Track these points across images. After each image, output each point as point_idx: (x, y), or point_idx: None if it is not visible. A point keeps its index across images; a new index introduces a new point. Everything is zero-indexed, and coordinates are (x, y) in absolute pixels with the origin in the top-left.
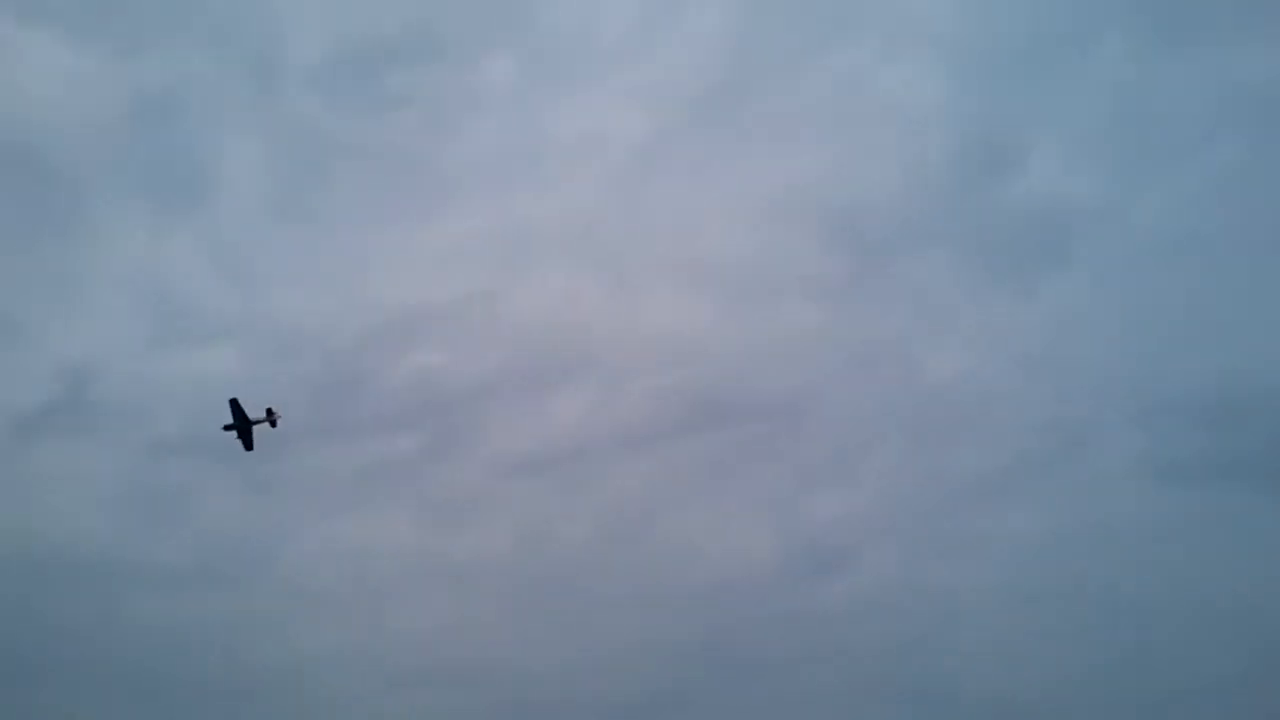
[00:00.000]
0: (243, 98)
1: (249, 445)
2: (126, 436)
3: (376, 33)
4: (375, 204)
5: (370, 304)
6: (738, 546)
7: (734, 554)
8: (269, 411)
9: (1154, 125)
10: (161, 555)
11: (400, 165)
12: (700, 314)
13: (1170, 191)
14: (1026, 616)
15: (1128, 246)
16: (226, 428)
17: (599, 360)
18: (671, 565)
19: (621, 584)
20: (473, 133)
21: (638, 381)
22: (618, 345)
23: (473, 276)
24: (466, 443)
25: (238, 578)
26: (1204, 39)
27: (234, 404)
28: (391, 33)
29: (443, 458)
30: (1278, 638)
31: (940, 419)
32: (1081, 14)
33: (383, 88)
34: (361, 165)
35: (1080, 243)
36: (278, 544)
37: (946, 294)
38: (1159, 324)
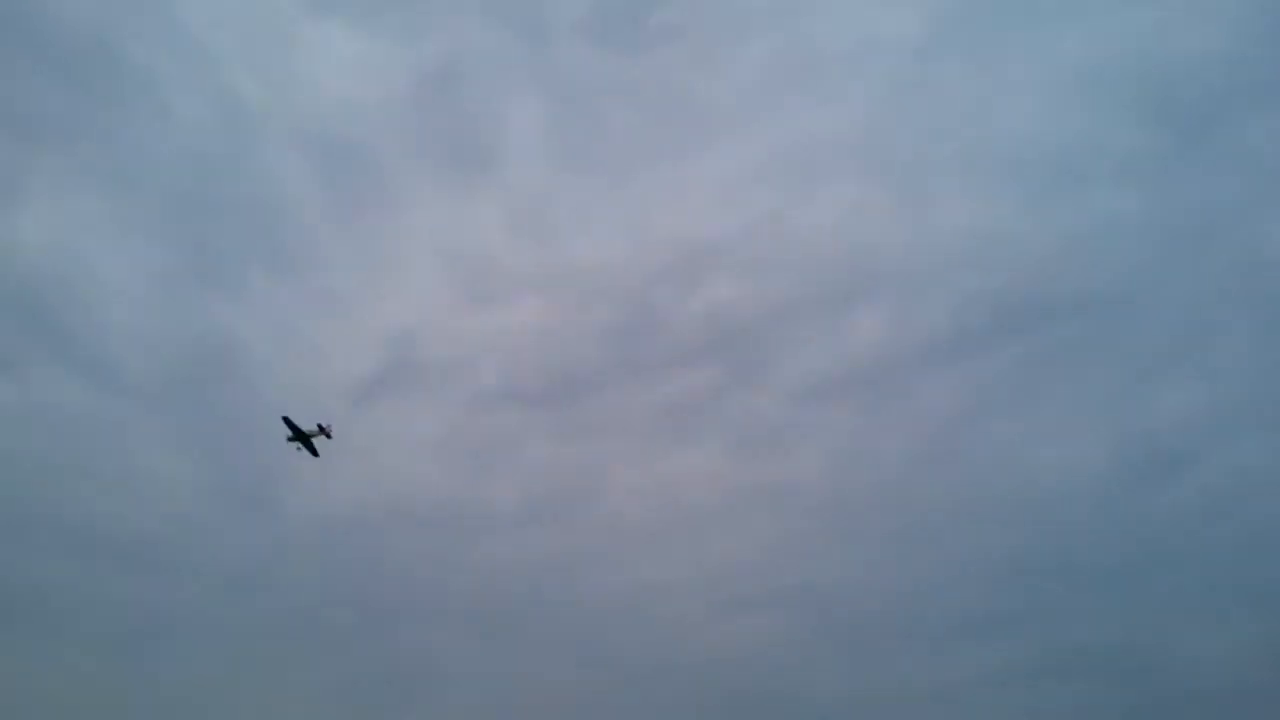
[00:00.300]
0: (517, 59)
1: (314, 453)
2: (451, 392)
3: None
4: (654, 142)
5: (659, 242)
6: (1067, 453)
7: (1063, 461)
8: (320, 426)
9: None
10: (494, 500)
11: (675, 100)
12: (1001, 211)
13: None
14: None
15: None
16: (290, 439)
17: (895, 272)
18: (994, 477)
19: (943, 499)
20: (743, 56)
21: (939, 290)
22: (914, 254)
23: (756, 202)
24: (766, 370)
25: (564, 516)
26: None
27: (287, 421)
28: None
29: (744, 386)
30: None
31: None
32: None
33: (650, 26)
34: (637, 106)
35: None
36: (597, 482)
37: None
38: None
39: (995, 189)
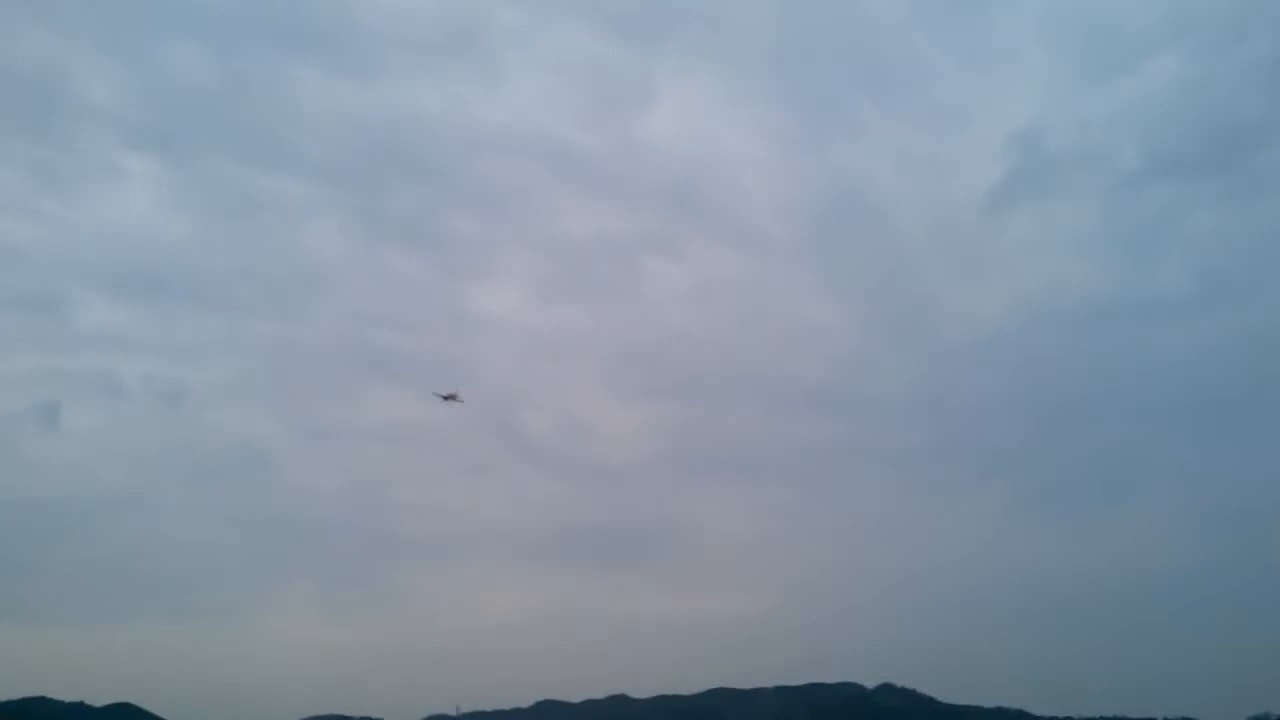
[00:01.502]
0: None
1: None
2: (1091, 181)
3: None
4: None
5: None
6: None
7: None
8: (453, 394)
9: None
10: (1162, 286)
11: None
12: None
13: None
14: None
15: None
16: (444, 399)
17: None
18: None
19: None
20: None
21: None
22: None
23: None
24: None
25: (1251, 289)
26: None
27: (436, 394)
28: None
29: None
30: None
31: None
32: None
33: None
34: None
35: None
36: None
37: None
38: None
39: None
